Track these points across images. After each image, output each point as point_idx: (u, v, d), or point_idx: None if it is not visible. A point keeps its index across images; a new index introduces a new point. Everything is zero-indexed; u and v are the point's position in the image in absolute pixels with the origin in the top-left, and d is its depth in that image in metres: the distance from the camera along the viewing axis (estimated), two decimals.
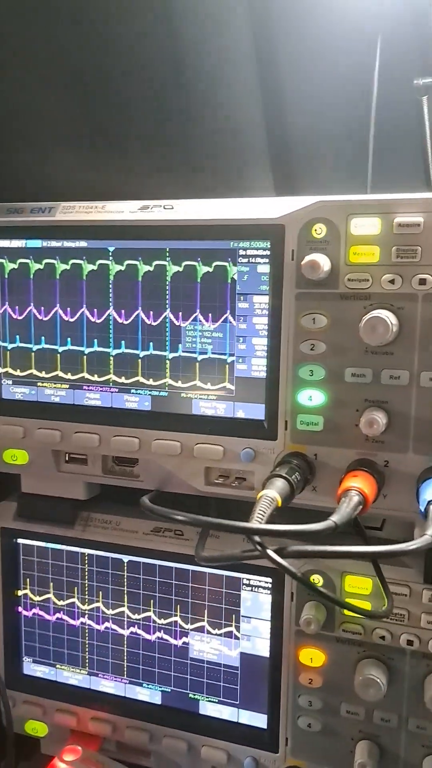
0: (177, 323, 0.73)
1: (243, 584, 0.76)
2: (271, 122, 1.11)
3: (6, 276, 0.79)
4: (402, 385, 0.64)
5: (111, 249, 0.74)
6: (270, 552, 0.53)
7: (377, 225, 0.63)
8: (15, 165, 1.03)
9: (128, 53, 1.05)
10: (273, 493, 0.59)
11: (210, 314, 0.71)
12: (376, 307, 0.64)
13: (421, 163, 1.01)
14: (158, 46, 1.04)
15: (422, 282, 0.62)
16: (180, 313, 0.72)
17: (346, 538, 0.65)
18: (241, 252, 0.69)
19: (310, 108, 1.08)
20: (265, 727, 0.76)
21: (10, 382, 0.81)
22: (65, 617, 0.84)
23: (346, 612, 0.70)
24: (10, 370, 0.80)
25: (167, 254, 0.72)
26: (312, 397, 0.67)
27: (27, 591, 0.86)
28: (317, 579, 0.71)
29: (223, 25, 1.04)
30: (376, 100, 0.97)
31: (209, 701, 0.79)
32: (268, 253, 0.68)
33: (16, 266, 0.78)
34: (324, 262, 0.64)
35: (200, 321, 0.72)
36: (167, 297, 0.73)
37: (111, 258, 0.74)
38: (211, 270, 0.71)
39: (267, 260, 0.68)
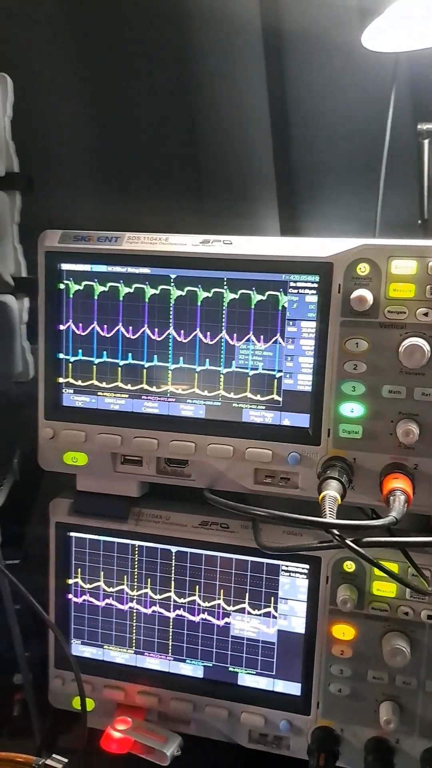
0: (231, 343, 0.83)
1: (282, 570, 0.87)
2: (279, 165, 1.22)
3: (71, 296, 0.88)
4: (431, 401, 0.76)
5: (173, 276, 0.84)
6: (351, 543, 0.64)
7: (414, 266, 0.75)
8: (46, 200, 1.11)
9: (143, 96, 1.14)
10: (335, 493, 0.71)
11: (262, 336, 0.82)
12: (411, 335, 0.76)
13: None
14: (171, 89, 1.14)
15: None
16: (234, 334, 0.83)
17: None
18: (292, 284, 0.80)
19: (318, 148, 1.19)
20: (298, 693, 0.88)
21: (71, 391, 0.89)
22: (114, 602, 0.94)
23: (375, 592, 0.82)
24: (71, 380, 0.89)
25: (225, 283, 0.82)
26: (353, 410, 0.79)
27: (78, 579, 0.95)
28: (350, 565, 0.83)
29: (237, 74, 1.14)
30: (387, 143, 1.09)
31: (248, 673, 0.90)
32: (316, 285, 0.79)
33: (81, 287, 0.87)
34: (369, 297, 0.76)
35: (253, 341, 0.83)
36: (223, 320, 0.83)
37: (172, 284, 0.84)
38: (264, 298, 0.82)
39: (315, 292, 0.79)
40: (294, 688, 0.88)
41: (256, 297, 0.82)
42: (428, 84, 1.06)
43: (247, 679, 0.90)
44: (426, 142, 1.10)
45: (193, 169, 1.23)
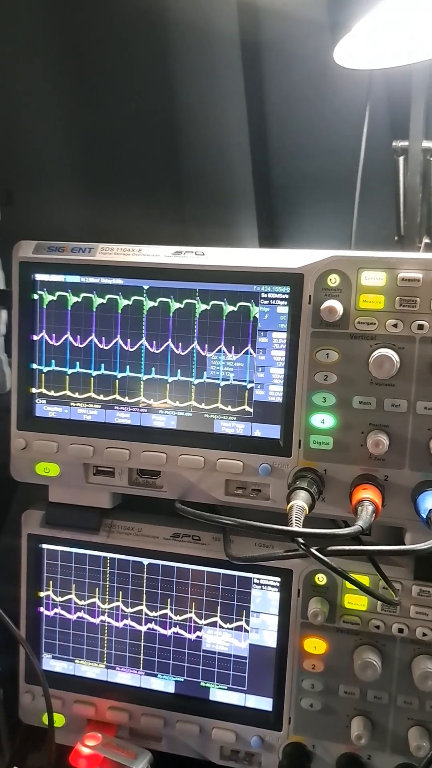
0: (203, 353, 0.83)
1: (253, 583, 0.86)
2: (258, 179, 1.23)
3: (44, 306, 0.88)
4: (401, 412, 0.76)
5: (145, 287, 0.84)
6: (315, 551, 0.64)
7: (383, 278, 0.76)
8: (26, 211, 1.12)
9: (124, 110, 1.16)
10: (302, 503, 0.70)
11: (233, 346, 0.82)
12: (381, 346, 0.76)
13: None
14: (152, 104, 1.15)
15: (420, 327, 0.75)
16: (206, 345, 0.83)
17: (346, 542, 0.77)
18: (263, 294, 0.81)
19: (295, 165, 1.21)
20: (270, 709, 0.87)
21: (44, 401, 0.89)
22: (85, 615, 0.93)
23: (347, 605, 0.82)
24: (44, 391, 0.89)
25: (197, 294, 0.83)
26: (324, 421, 0.79)
27: (49, 592, 0.94)
28: (321, 578, 0.83)
29: (216, 90, 1.16)
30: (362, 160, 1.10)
31: (219, 688, 0.89)
32: (287, 296, 0.80)
33: (54, 298, 0.87)
34: (339, 308, 0.76)
35: (224, 352, 0.83)
36: (195, 331, 0.83)
37: (145, 295, 0.84)
38: (235, 309, 0.82)
39: (286, 302, 0.80)
40: (266, 704, 0.87)
41: (228, 308, 0.82)
42: (403, 102, 1.07)
43: (219, 695, 0.89)
44: (401, 159, 1.11)
45: (174, 185, 1.24)
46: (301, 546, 0.65)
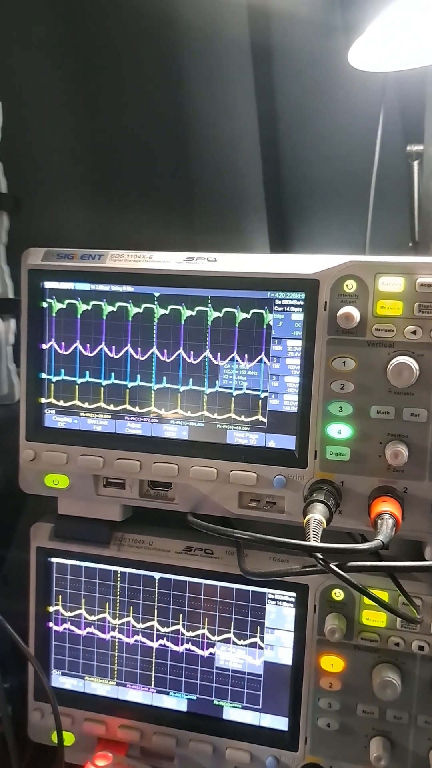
0: (215, 362, 0.81)
1: (268, 598, 0.84)
2: (269, 184, 1.21)
3: (54, 315, 0.86)
4: (421, 421, 0.74)
5: (156, 294, 0.82)
6: (335, 567, 0.61)
7: (401, 283, 0.74)
8: (36, 219, 1.11)
9: (134, 117, 1.15)
10: (320, 517, 0.68)
11: (246, 355, 0.80)
12: (399, 353, 0.74)
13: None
14: (163, 110, 1.14)
15: None
16: (218, 354, 0.81)
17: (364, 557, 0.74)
18: (277, 301, 0.79)
19: (307, 169, 1.19)
20: (286, 728, 0.84)
21: (53, 411, 0.87)
22: (96, 631, 0.90)
23: (365, 621, 0.79)
24: (53, 401, 0.87)
25: (209, 301, 0.81)
26: (341, 431, 0.76)
27: (58, 607, 0.91)
28: (338, 594, 0.80)
29: (227, 95, 1.15)
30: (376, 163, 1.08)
31: (233, 707, 0.86)
32: (302, 303, 0.77)
33: (63, 306, 0.85)
34: (356, 314, 0.74)
35: (237, 360, 0.81)
36: (207, 339, 0.81)
37: (156, 302, 0.82)
38: (248, 316, 0.80)
39: (301, 309, 0.78)
40: (281, 723, 0.85)
41: (241, 315, 0.80)
42: (417, 105, 1.05)
43: (233, 713, 0.87)
44: (415, 163, 1.09)
45: (183, 192, 1.23)
46: (320, 562, 0.63)
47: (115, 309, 0.84)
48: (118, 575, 0.89)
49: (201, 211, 1.23)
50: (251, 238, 1.24)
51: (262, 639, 0.85)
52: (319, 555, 0.63)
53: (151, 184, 1.22)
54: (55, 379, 0.87)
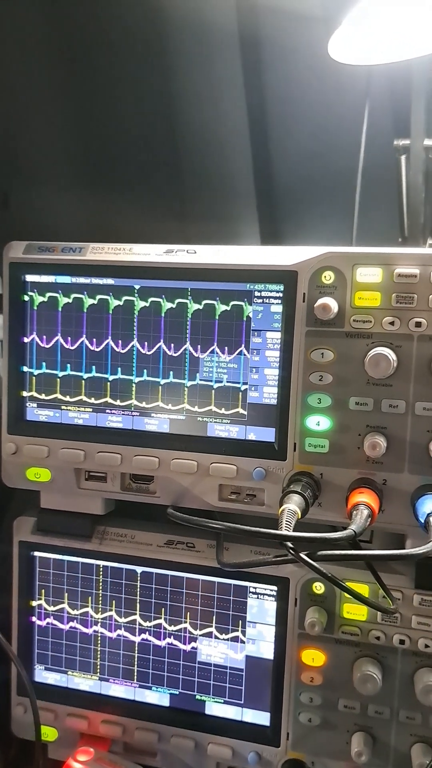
0: (196, 355, 0.81)
1: (249, 592, 0.83)
2: (259, 178, 1.21)
3: (35, 308, 0.86)
4: (399, 413, 0.73)
5: (137, 287, 0.82)
6: (303, 556, 0.61)
7: (379, 274, 0.73)
8: (25, 212, 1.11)
9: (127, 112, 1.15)
10: (294, 507, 0.68)
11: (226, 347, 0.80)
12: (378, 345, 0.73)
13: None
14: (153, 105, 1.14)
15: (418, 324, 0.72)
16: (198, 346, 0.81)
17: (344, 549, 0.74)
18: (257, 293, 0.78)
19: (297, 164, 1.19)
20: (267, 724, 0.83)
21: (35, 405, 0.87)
22: (78, 626, 0.90)
23: (345, 615, 0.79)
24: (35, 394, 0.87)
25: (189, 293, 0.80)
26: (320, 423, 0.76)
27: (42, 601, 0.91)
28: (319, 587, 0.80)
29: (218, 96, 1.14)
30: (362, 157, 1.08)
31: (215, 702, 0.86)
32: (281, 295, 0.77)
33: (45, 299, 0.85)
34: (333, 305, 0.73)
35: (217, 353, 0.80)
36: (187, 331, 0.81)
37: (136, 295, 0.82)
38: (228, 308, 0.80)
39: (280, 301, 0.77)
40: (263, 718, 0.84)
41: (221, 307, 0.80)
42: (406, 99, 1.05)
43: (215, 708, 0.86)
44: (403, 158, 1.09)
45: (174, 185, 1.23)
46: (290, 551, 0.63)
47: (95, 302, 0.84)
48: (101, 569, 0.89)
49: (192, 205, 1.23)
50: (243, 232, 1.23)
51: (243, 633, 0.84)
52: (289, 544, 0.62)
53: (142, 177, 1.22)
54: (36, 372, 0.87)
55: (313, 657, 0.80)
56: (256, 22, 1.07)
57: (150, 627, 0.87)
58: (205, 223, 1.19)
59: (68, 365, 0.85)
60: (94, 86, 1.14)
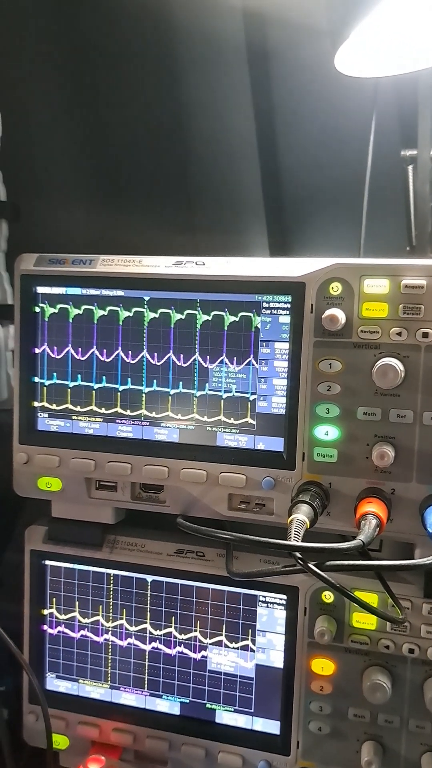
0: (205, 365, 0.82)
1: (259, 601, 0.84)
2: (267, 189, 1.22)
3: (46, 319, 0.87)
4: (407, 423, 0.74)
5: (146, 298, 0.83)
6: (312, 566, 0.62)
7: (386, 285, 0.74)
8: (35, 224, 1.13)
9: (136, 124, 1.16)
10: (303, 517, 0.68)
11: (235, 358, 0.81)
12: (385, 355, 0.74)
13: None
14: (162, 118, 1.15)
15: (425, 335, 0.73)
16: (207, 356, 0.82)
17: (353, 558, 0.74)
18: (265, 304, 0.79)
19: (305, 175, 1.20)
20: (277, 732, 0.84)
21: (46, 415, 0.88)
22: (89, 634, 0.91)
23: (355, 624, 0.79)
24: (46, 405, 0.88)
25: (198, 305, 0.81)
26: (328, 432, 0.76)
27: (53, 610, 0.92)
28: (328, 596, 0.80)
29: (226, 109, 1.15)
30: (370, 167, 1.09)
31: (225, 710, 0.86)
32: (289, 306, 0.78)
33: (56, 311, 0.87)
34: (341, 316, 0.74)
35: (226, 363, 0.81)
36: (197, 342, 0.82)
37: (146, 306, 0.83)
38: (237, 319, 0.80)
39: (288, 312, 0.78)
40: (273, 727, 0.84)
41: (229, 318, 0.80)
42: (413, 110, 1.06)
43: (225, 717, 0.86)
44: (410, 168, 1.10)
45: (183, 197, 1.24)
46: (299, 561, 0.63)
47: (105, 313, 0.85)
48: (111, 578, 0.89)
49: (201, 217, 1.24)
50: (252, 243, 1.24)
51: (253, 642, 0.85)
52: (298, 554, 0.63)
53: (151, 189, 1.23)
54: (47, 382, 0.88)
55: (323, 666, 0.80)
56: (264, 35, 1.08)
57: (160, 635, 0.88)
58: (213, 234, 1.20)
59: (79, 376, 0.86)
60: (103, 99, 1.16)
